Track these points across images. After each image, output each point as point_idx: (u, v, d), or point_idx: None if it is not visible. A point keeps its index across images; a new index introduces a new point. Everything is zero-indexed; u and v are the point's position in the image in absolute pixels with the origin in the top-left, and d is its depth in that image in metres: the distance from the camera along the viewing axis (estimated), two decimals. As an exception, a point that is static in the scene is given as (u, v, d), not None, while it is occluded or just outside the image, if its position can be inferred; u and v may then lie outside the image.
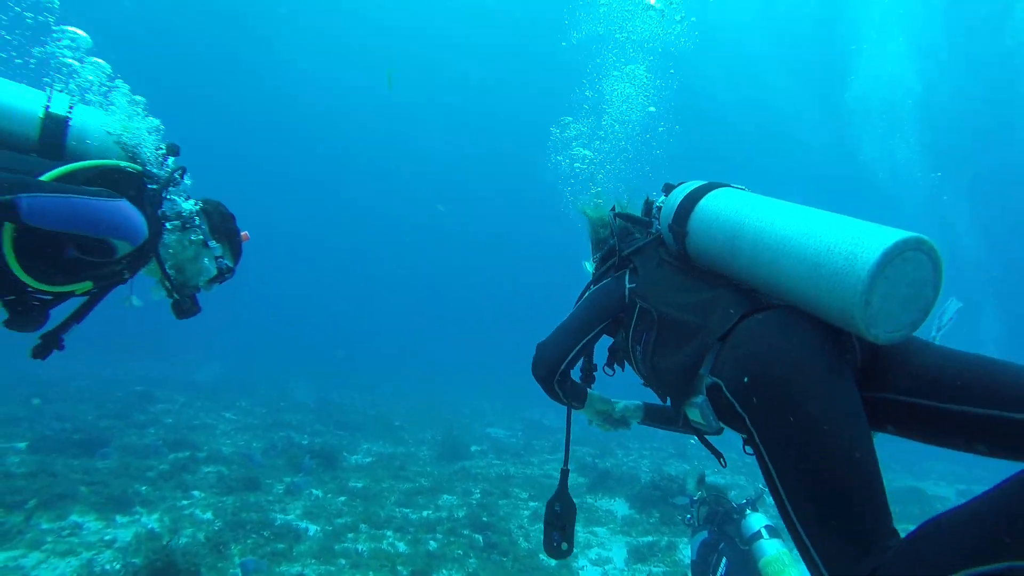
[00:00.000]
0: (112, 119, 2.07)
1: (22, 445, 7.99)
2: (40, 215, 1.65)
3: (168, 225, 2.16)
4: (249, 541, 5.55)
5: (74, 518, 5.65)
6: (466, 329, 47.17)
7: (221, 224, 2.36)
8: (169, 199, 2.17)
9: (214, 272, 2.34)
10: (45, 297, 1.93)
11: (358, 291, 49.07)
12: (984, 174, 28.20)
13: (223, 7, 28.98)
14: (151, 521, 5.87)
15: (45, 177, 1.76)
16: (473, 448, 11.96)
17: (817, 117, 30.46)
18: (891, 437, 1.53)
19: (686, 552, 6.28)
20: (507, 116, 36.41)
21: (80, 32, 2.15)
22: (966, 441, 1.34)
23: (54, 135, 1.92)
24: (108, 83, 2.20)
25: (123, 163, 2.01)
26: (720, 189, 1.88)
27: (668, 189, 2.09)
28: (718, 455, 2.08)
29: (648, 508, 7.87)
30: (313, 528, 6.22)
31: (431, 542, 6.22)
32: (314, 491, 7.57)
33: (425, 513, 7.18)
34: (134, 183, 2.01)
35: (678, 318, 1.76)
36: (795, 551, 3.45)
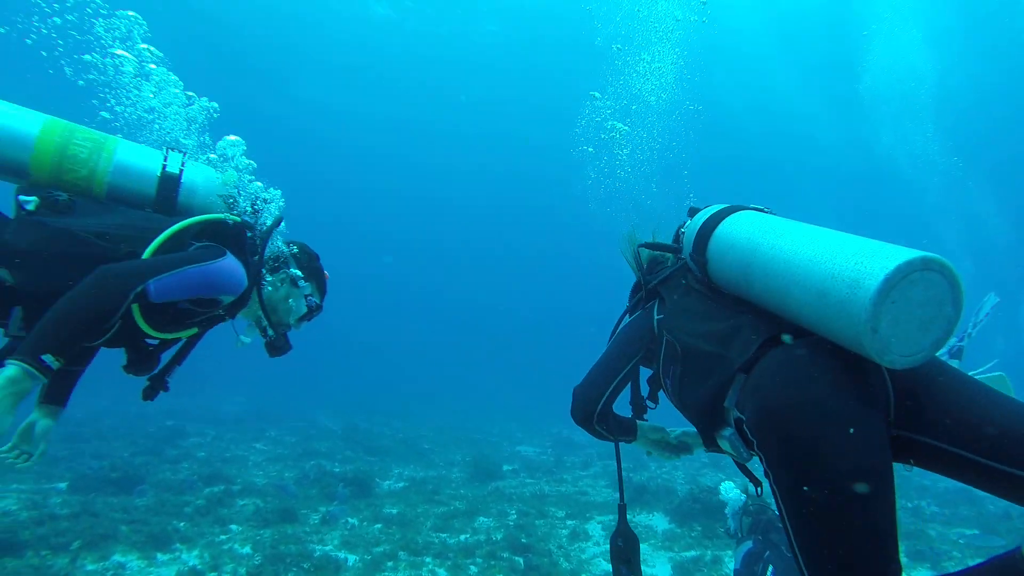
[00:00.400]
0: (216, 175, 2.27)
1: (63, 485, 8.09)
2: (165, 292, 1.87)
3: (265, 271, 2.33)
4: (290, 575, 5.51)
5: (117, 558, 5.66)
6: (487, 349, 47.17)
7: (308, 264, 2.52)
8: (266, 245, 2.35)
9: (304, 310, 2.49)
10: (154, 343, 2.15)
11: (375, 315, 49.28)
12: (1007, 159, 27.61)
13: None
14: (191, 558, 5.86)
15: (164, 235, 1.95)
16: (505, 468, 11.86)
17: (830, 114, 30.09)
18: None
19: (731, 565, 6.12)
20: (531, 133, 36.47)
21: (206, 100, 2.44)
22: (1001, 492, 1.32)
23: (168, 193, 2.09)
24: (231, 148, 2.41)
25: (225, 216, 2.19)
26: (738, 213, 1.82)
27: (692, 213, 2.04)
28: (756, 482, 1.99)
29: (688, 522, 7.70)
30: (352, 558, 6.16)
31: (471, 567, 6.12)
32: (350, 519, 7.52)
33: (463, 537, 7.09)
34: (235, 234, 2.22)
35: (701, 349, 1.72)
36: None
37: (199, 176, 2.18)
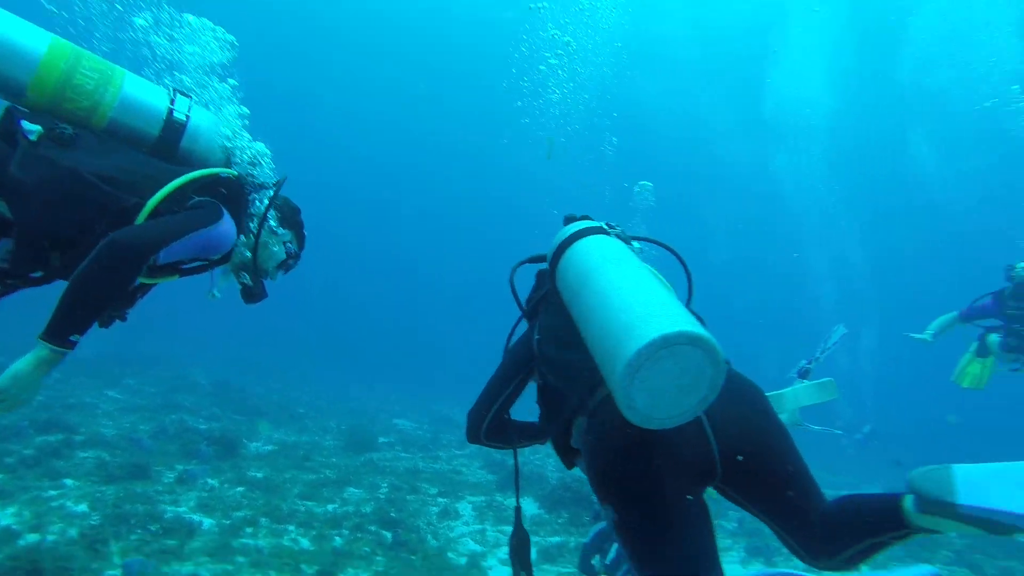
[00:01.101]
0: (219, 123, 2.20)
1: None
2: (171, 256, 1.91)
3: (252, 224, 2.35)
4: (133, 537, 5.03)
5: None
6: (374, 319, 46.10)
7: (290, 215, 2.52)
8: (257, 199, 2.36)
9: (283, 256, 2.51)
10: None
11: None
12: (874, 193, 30.75)
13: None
14: (5, 517, 5.12)
15: (170, 187, 1.92)
16: (381, 440, 11.65)
17: (739, 129, 31.80)
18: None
19: (592, 549, 6.42)
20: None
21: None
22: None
23: (171, 137, 2.02)
24: (229, 95, 2.37)
25: (223, 172, 2.15)
26: (587, 239, 1.71)
27: (566, 222, 1.96)
28: None
29: (557, 508, 7.96)
30: (208, 522, 5.76)
31: (337, 538, 5.94)
32: (210, 480, 7.04)
33: (330, 507, 6.87)
34: (235, 190, 2.22)
35: (549, 382, 1.78)
36: None
37: (203, 122, 2.11)
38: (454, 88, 35.33)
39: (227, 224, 2.08)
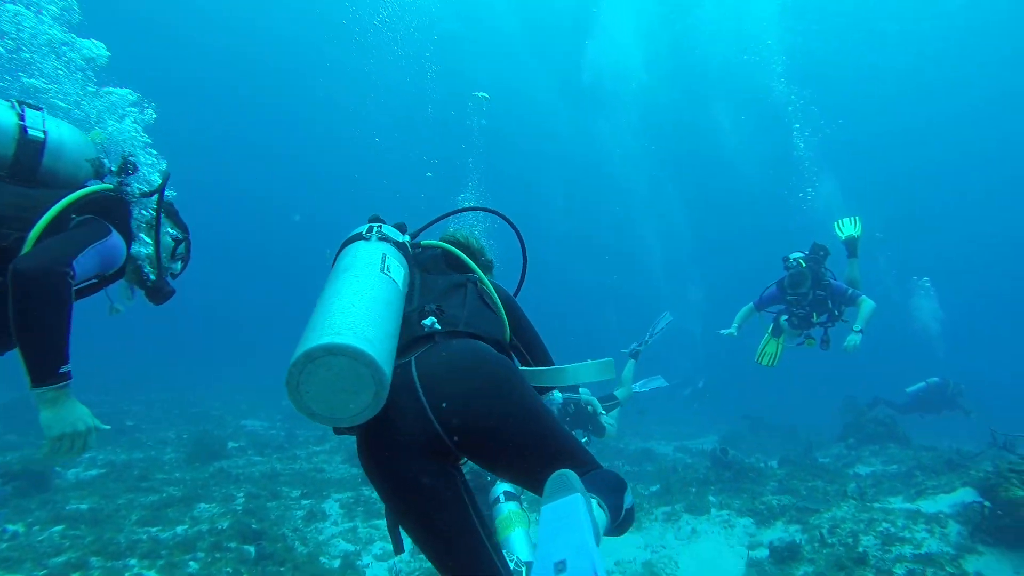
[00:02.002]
0: (82, 134, 2.03)
1: None
2: (80, 273, 1.77)
3: (142, 232, 2.23)
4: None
5: None
6: (203, 313, 42.00)
7: (173, 212, 2.44)
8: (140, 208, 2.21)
9: (171, 243, 2.40)
10: None
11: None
12: (693, 164, 33.76)
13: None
14: None
15: (49, 215, 1.76)
16: (230, 445, 10.67)
17: (565, 104, 32.35)
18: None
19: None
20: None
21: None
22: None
23: (29, 159, 1.81)
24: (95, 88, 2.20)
25: (98, 188, 1.98)
26: (345, 248, 1.79)
27: (372, 219, 2.01)
28: None
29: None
30: None
31: (191, 563, 5.33)
32: (10, 527, 5.90)
33: (179, 529, 6.15)
34: (112, 204, 2.04)
35: None
36: (527, 510, 3.82)
37: (65, 135, 1.92)
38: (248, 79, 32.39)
39: (116, 237, 1.98)
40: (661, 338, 7.93)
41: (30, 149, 1.82)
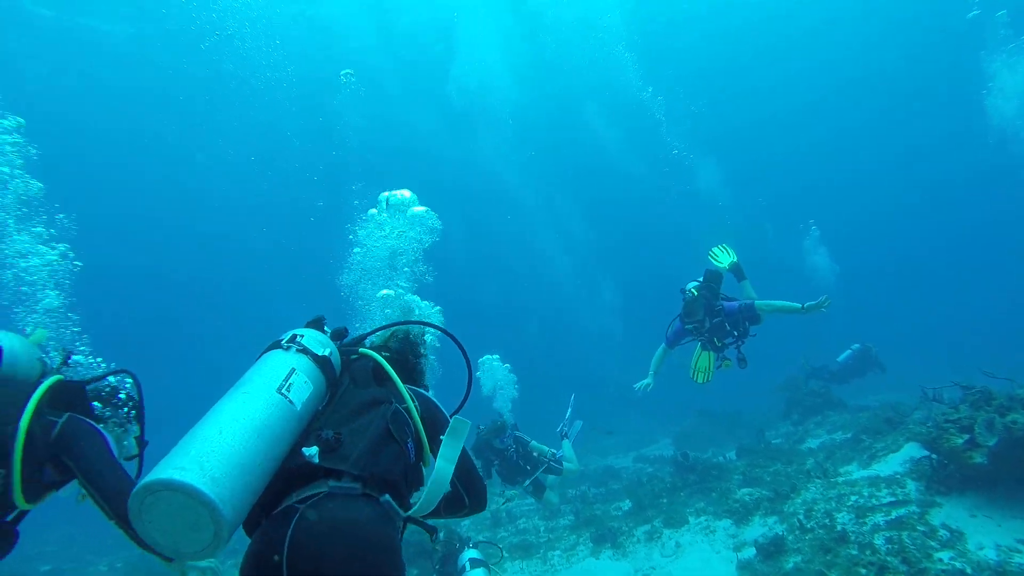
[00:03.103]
0: (25, 339, 2.16)
1: None
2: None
3: (104, 409, 2.40)
4: None
5: None
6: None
7: (121, 403, 2.47)
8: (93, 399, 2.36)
9: (135, 451, 2.47)
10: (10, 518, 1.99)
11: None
12: (576, 169, 34.80)
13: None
14: None
15: (28, 415, 1.88)
16: (43, 568, 9.69)
17: (443, 127, 31.81)
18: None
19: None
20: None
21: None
22: None
23: None
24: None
25: (53, 381, 2.09)
26: (265, 353, 1.80)
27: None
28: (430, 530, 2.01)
29: (408, 568, 7.48)
30: None
31: None
32: None
33: None
34: (76, 392, 2.20)
35: None
36: (494, 574, 3.97)
37: (16, 345, 2.09)
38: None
39: (93, 425, 2.12)
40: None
41: None
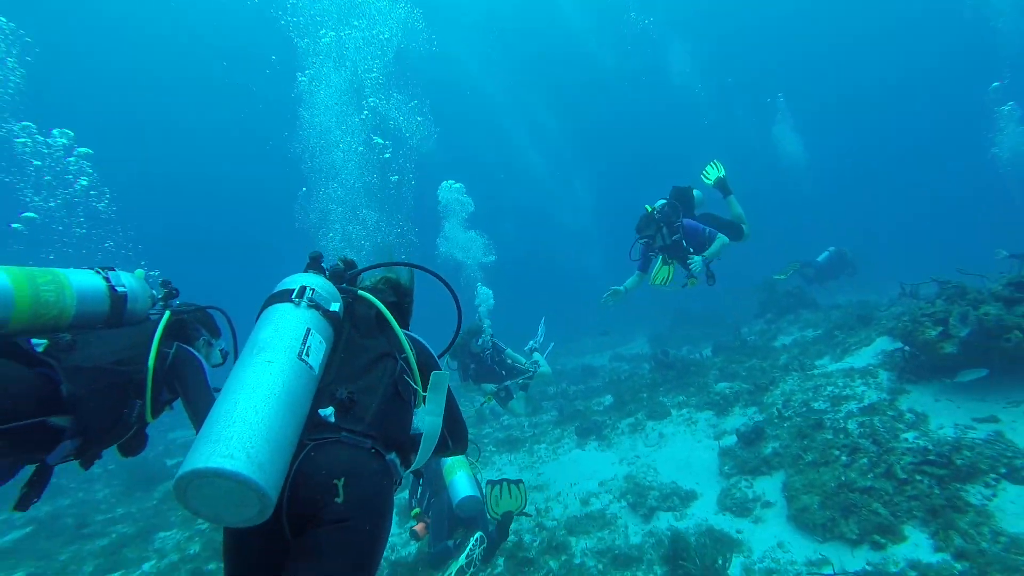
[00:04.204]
0: (135, 278, 2.41)
1: None
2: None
3: (204, 333, 2.77)
4: None
5: None
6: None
7: (210, 323, 2.82)
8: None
9: (219, 360, 2.83)
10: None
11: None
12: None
13: None
14: None
15: (152, 358, 2.25)
16: (169, 463, 9.98)
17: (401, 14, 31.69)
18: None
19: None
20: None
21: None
22: None
23: (119, 306, 2.25)
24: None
25: (167, 317, 2.43)
26: (268, 308, 1.82)
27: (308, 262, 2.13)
28: None
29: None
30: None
31: (174, 600, 5.01)
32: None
33: (147, 567, 5.72)
34: (180, 325, 2.58)
35: None
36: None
37: (135, 285, 2.34)
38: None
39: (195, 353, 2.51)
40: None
41: (118, 301, 2.24)
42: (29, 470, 2.04)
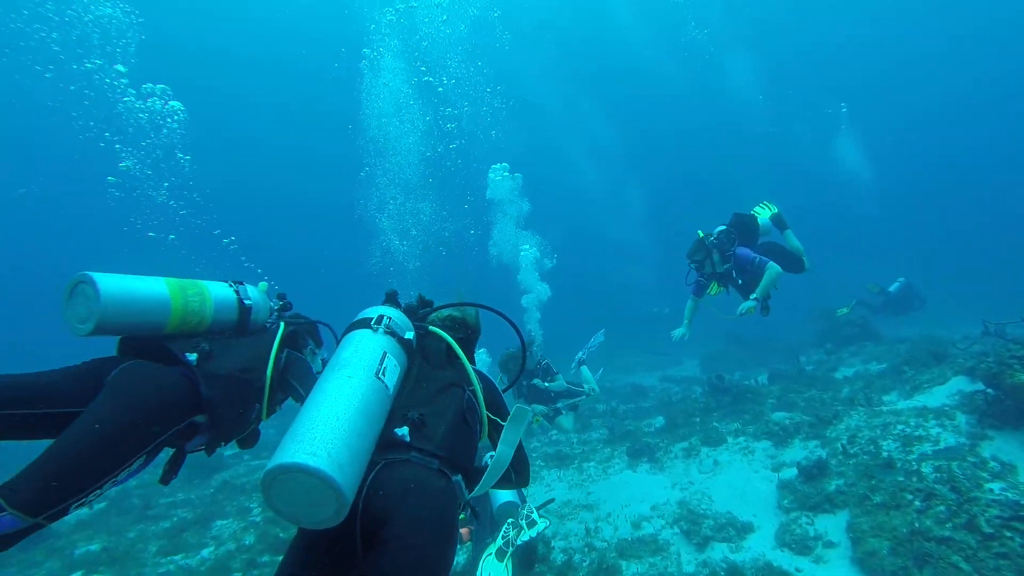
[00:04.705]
0: (259, 292, 2.68)
1: None
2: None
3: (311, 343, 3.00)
4: None
5: None
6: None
7: (316, 334, 3.06)
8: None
9: (321, 368, 2.83)
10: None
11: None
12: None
13: None
14: None
15: (270, 367, 2.50)
16: (225, 454, 10.34)
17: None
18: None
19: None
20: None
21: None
22: None
23: (245, 316, 2.54)
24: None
25: (283, 330, 2.68)
26: (349, 334, 2.01)
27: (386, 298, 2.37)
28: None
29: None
30: (53, 632, 4.60)
31: (231, 587, 5.18)
32: (25, 580, 5.60)
33: (206, 553, 5.94)
34: (293, 336, 2.81)
35: None
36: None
37: (257, 297, 2.61)
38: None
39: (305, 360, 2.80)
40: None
41: (245, 312, 2.51)
42: (168, 453, 2.27)
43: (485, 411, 2.10)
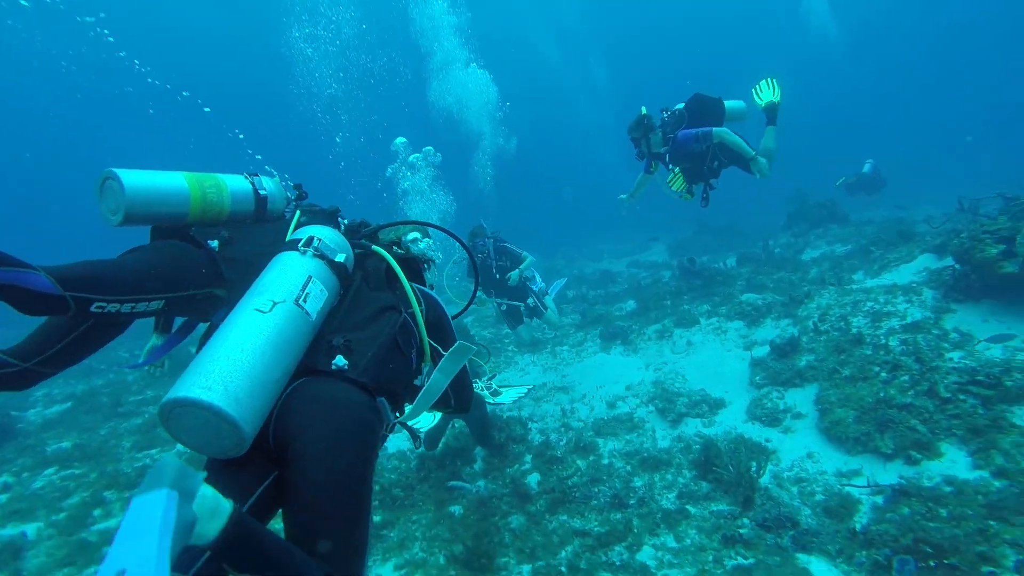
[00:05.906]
0: (273, 182, 2.71)
1: None
2: None
3: None
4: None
5: None
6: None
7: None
8: None
9: None
10: None
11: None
12: None
13: None
14: None
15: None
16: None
17: None
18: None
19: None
20: None
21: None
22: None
23: (262, 206, 2.58)
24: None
25: (299, 213, 2.60)
26: (278, 255, 1.94)
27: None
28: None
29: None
30: (33, 527, 4.57)
31: (212, 478, 5.19)
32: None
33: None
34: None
35: None
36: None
37: (274, 188, 2.68)
38: None
39: None
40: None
41: (261, 202, 2.55)
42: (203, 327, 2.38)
43: (426, 337, 2.05)
